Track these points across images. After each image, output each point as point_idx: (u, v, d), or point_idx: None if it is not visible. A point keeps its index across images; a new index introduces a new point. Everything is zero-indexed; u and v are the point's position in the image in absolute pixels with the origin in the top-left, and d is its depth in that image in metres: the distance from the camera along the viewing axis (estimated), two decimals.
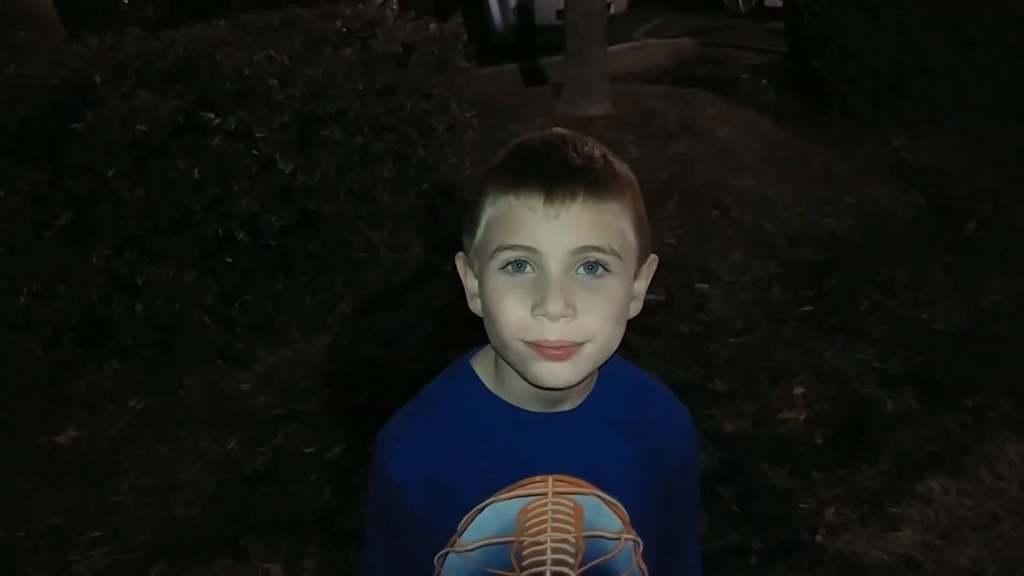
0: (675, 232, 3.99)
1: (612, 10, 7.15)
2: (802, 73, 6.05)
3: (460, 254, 0.95)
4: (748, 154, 5.00)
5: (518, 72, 7.05)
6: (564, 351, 0.85)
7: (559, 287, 0.84)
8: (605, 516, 0.96)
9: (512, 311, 0.85)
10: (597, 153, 0.88)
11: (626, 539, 0.98)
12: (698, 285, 3.57)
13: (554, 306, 0.83)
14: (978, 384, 2.87)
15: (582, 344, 0.86)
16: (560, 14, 6.33)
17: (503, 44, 7.73)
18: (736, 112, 5.78)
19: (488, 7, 7.92)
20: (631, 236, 0.88)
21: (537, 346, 0.85)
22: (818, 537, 2.28)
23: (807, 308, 3.43)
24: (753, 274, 3.70)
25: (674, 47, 8.10)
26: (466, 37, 3.99)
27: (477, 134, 4.13)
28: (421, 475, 0.93)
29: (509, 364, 0.90)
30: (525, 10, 7.87)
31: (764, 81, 6.62)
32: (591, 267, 0.86)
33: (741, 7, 10.74)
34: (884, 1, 5.44)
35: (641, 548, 0.99)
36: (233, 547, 2.34)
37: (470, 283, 0.93)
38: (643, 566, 1.00)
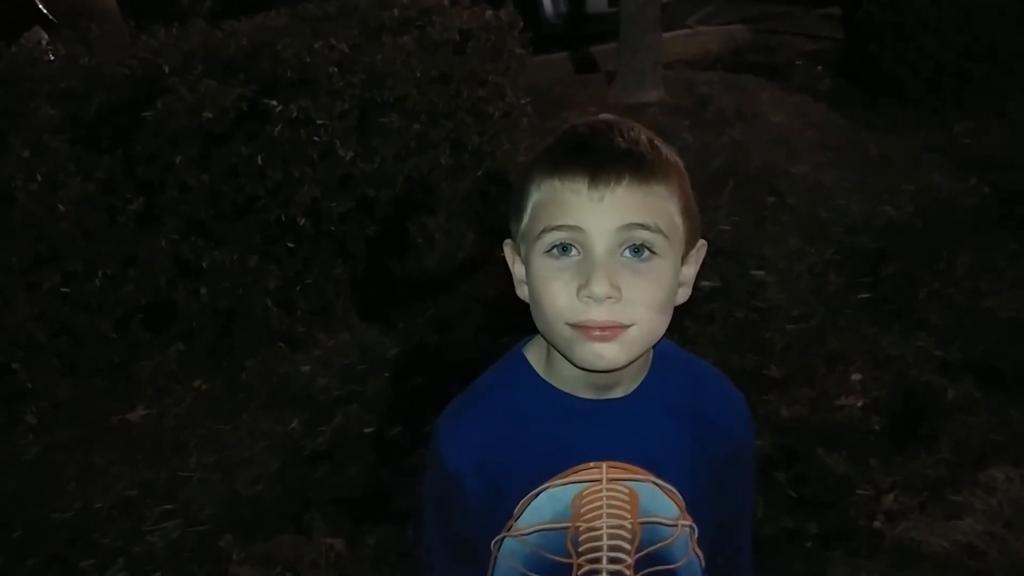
0: (730, 219, 3.96)
1: None
2: (858, 59, 5.93)
3: (508, 241, 0.96)
4: (803, 140, 4.93)
5: (569, 60, 7.01)
6: (610, 331, 0.84)
7: (604, 268, 0.84)
8: (661, 502, 0.96)
9: (558, 294, 0.86)
10: (644, 138, 0.88)
11: (683, 525, 0.97)
12: (753, 272, 3.55)
13: (599, 287, 0.83)
14: None
15: (627, 327, 0.85)
16: (612, 2, 6.29)
17: (554, 33, 7.71)
18: (791, 98, 5.69)
19: None
20: (678, 219, 0.88)
21: (583, 328, 0.85)
22: (876, 524, 2.26)
23: (864, 295, 3.38)
24: (809, 261, 3.65)
25: (728, 34, 7.97)
26: (522, 23, 4.00)
27: (530, 121, 4.15)
28: (476, 462, 0.95)
29: (556, 349, 0.90)
30: None
31: (819, 67, 6.48)
32: (637, 250, 0.85)
33: None
34: None
35: (696, 534, 0.99)
36: (296, 523, 2.41)
37: (517, 269, 0.94)
38: (699, 552, 1.00)
